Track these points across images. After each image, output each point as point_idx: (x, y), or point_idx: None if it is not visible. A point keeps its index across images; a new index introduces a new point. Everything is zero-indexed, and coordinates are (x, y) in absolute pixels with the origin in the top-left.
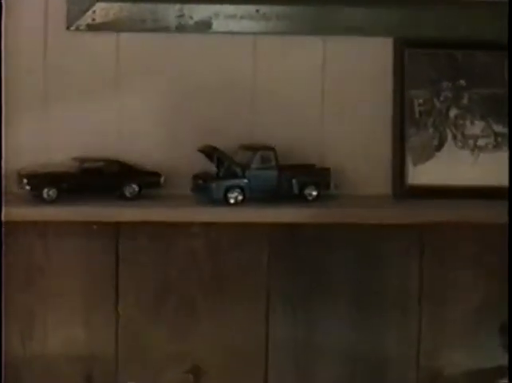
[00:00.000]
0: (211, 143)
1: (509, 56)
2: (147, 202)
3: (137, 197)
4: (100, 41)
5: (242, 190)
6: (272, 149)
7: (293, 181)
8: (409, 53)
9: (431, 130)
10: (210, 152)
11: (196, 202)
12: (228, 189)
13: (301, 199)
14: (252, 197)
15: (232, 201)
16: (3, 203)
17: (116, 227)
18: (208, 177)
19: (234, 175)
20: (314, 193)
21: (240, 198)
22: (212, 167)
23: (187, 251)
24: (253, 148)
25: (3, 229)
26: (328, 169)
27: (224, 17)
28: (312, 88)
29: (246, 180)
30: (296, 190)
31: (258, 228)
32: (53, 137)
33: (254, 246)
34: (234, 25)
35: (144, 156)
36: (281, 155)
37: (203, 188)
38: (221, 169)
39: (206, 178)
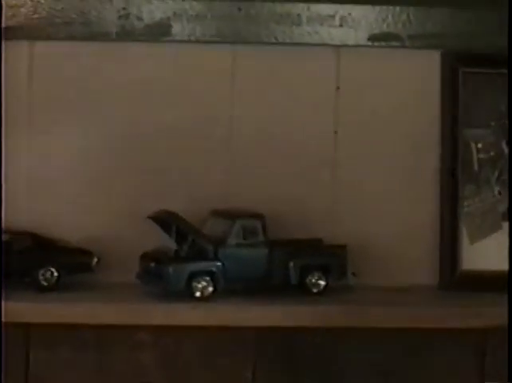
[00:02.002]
0: (168, 207)
1: (509, 58)
2: (72, 294)
3: (57, 286)
4: (7, 55)
5: (214, 277)
6: (259, 217)
7: (291, 265)
8: (464, 74)
9: (496, 189)
10: (165, 221)
11: (145, 295)
12: (193, 276)
13: (302, 291)
14: (228, 288)
15: (198, 294)
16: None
17: (26, 331)
18: (163, 258)
19: (202, 256)
20: (322, 283)
21: (210, 289)
22: (170, 244)
23: (132, 367)
24: (230, 215)
25: None
26: (343, 247)
27: (188, 19)
28: (320, 124)
29: (219, 263)
30: (294, 278)
31: (239, 334)
32: None
33: (233, 360)
34: (203, 30)
35: (69, 227)
36: (272, 225)
37: (156, 274)
38: (182, 246)
39: (160, 259)
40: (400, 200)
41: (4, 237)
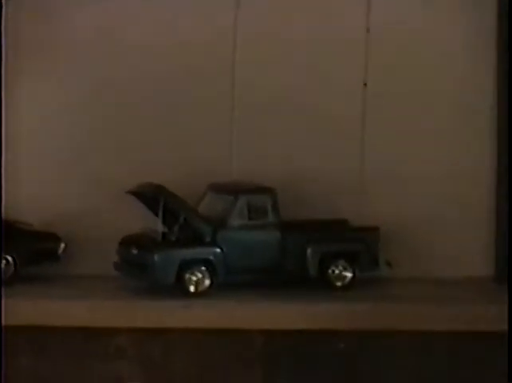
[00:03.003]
0: (154, 179)
1: (509, 53)
2: (34, 289)
3: (15, 279)
4: None
5: (212, 268)
6: (268, 191)
7: (308, 252)
8: None
9: None
10: (151, 197)
11: (125, 290)
12: (185, 266)
13: (323, 285)
14: (230, 281)
15: (192, 289)
16: None
17: None
18: (148, 243)
19: (197, 240)
20: (347, 275)
21: (207, 283)
22: (156, 225)
23: (109, 380)
24: (233, 190)
25: None
26: (374, 230)
27: None
28: (346, 75)
29: (218, 249)
30: (313, 269)
31: (244, 340)
32: None
33: (236, 372)
34: None
35: (30, 206)
36: (286, 202)
37: (139, 264)
38: (172, 228)
39: (143, 245)
40: (446, 172)
41: None
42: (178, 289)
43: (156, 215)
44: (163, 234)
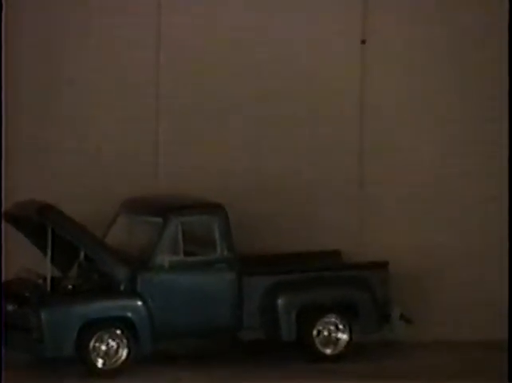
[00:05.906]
0: (46, 197)
1: (509, 55)
2: None
3: None
4: None
5: (130, 330)
6: (214, 209)
7: (281, 303)
8: None
9: None
10: (33, 221)
11: None
12: (89, 328)
13: (303, 355)
14: (159, 350)
15: (100, 363)
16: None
17: None
18: (29, 294)
19: (107, 288)
20: (342, 338)
21: (123, 354)
22: (43, 265)
23: None
24: (160, 208)
25: None
26: (382, 266)
27: None
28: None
29: (139, 302)
30: (288, 329)
31: None
32: None
33: None
34: None
35: None
36: (244, 226)
37: (16, 326)
38: (68, 270)
39: (22, 297)
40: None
41: None
42: (79, 364)
43: (42, 251)
44: (54, 279)
